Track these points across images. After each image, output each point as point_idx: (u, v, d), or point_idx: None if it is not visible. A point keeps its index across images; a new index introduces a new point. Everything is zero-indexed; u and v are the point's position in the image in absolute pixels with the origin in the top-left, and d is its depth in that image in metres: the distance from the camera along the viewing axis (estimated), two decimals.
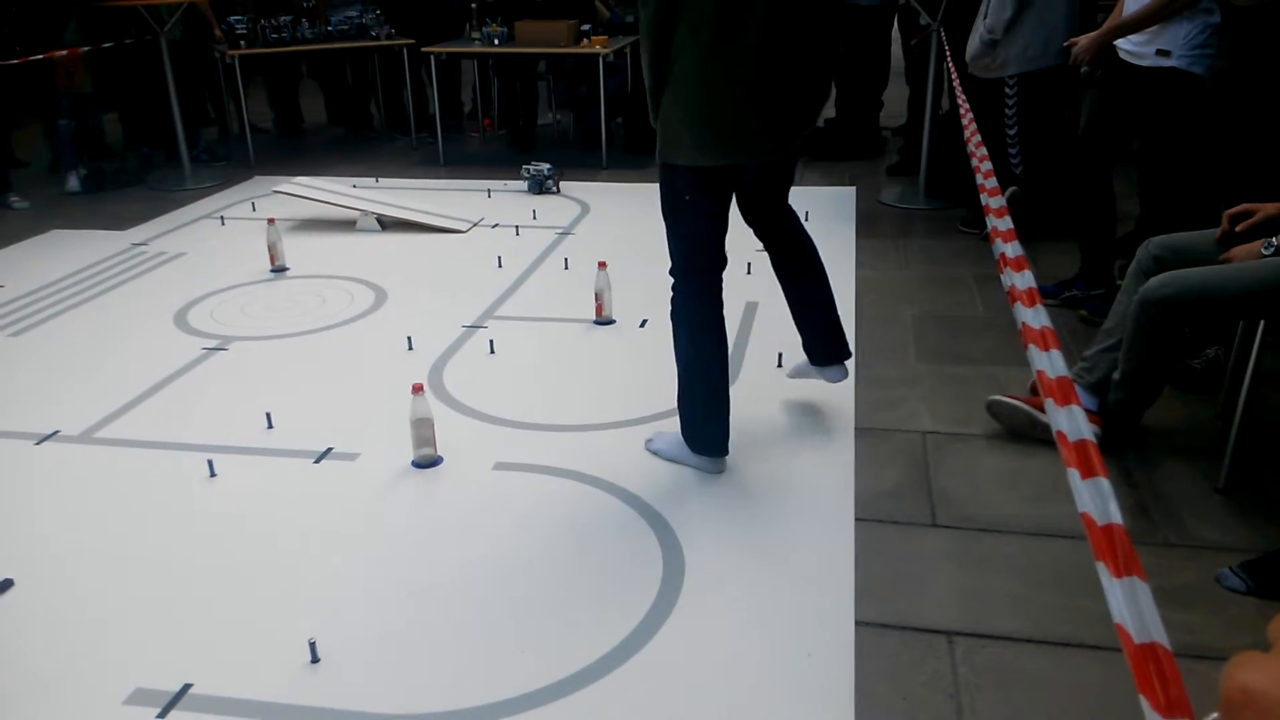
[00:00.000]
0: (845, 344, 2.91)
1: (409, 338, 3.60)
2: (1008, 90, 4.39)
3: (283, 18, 6.65)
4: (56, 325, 3.91)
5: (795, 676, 1.95)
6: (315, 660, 2.02)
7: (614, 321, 3.75)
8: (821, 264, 2.85)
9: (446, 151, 6.63)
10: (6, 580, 2.31)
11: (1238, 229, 2.56)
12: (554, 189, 5.68)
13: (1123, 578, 1.00)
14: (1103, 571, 1.03)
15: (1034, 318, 1.61)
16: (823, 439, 2.86)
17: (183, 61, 6.22)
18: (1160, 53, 3.28)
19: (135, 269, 4.56)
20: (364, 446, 2.87)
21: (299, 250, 4.64)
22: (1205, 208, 3.09)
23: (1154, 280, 2.52)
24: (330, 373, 3.39)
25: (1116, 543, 1.05)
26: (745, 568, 2.29)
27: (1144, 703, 0.88)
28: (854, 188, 5.60)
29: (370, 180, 6.07)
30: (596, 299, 3.74)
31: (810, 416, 3.00)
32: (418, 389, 2.73)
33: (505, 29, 6.32)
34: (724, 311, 2.62)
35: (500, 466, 2.75)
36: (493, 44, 6.31)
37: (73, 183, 5.99)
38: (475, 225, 5.07)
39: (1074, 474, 1.18)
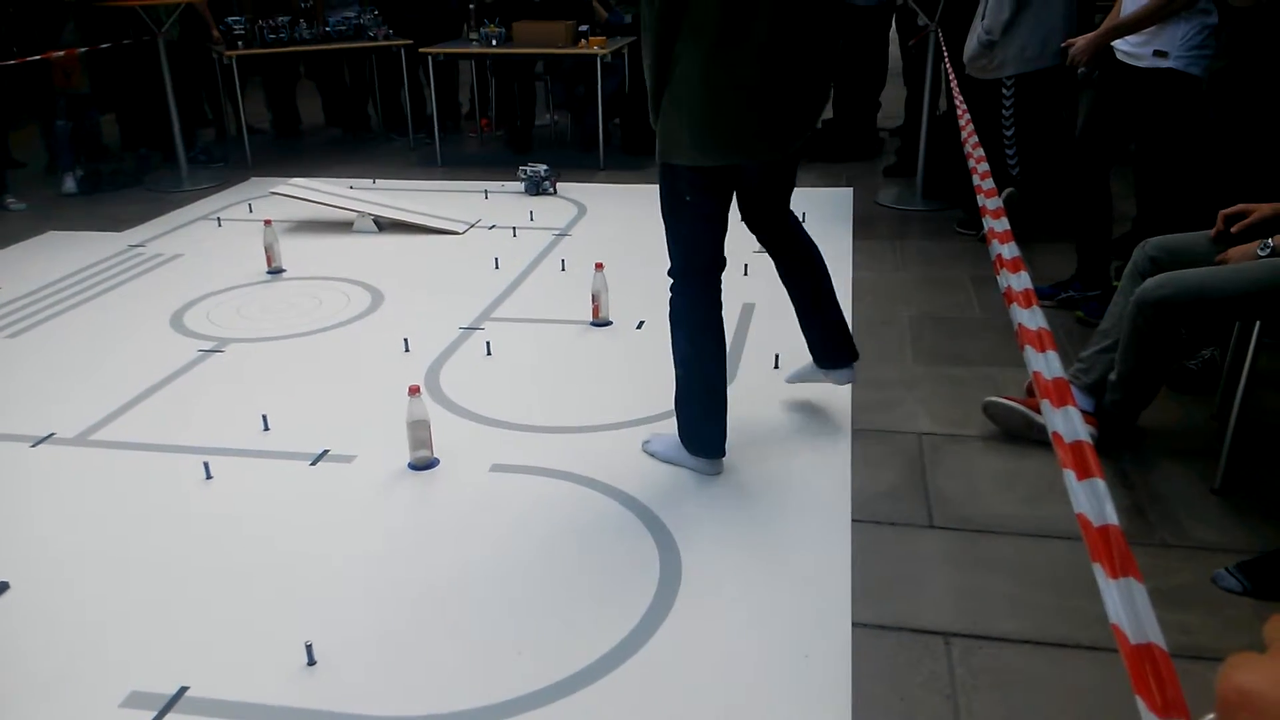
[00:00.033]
0: (852, 346, 2.92)
1: (406, 339, 3.60)
2: (1005, 91, 4.40)
3: (280, 18, 6.65)
4: (53, 327, 3.90)
5: (792, 677, 1.95)
6: (312, 663, 2.02)
7: (611, 323, 3.75)
8: (825, 267, 2.85)
9: (444, 152, 6.63)
10: (3, 583, 2.30)
11: (1233, 230, 2.56)
12: (551, 190, 5.68)
13: (1119, 578, 1.00)
14: (1099, 572, 1.03)
15: (1030, 319, 1.61)
16: (819, 441, 2.86)
17: (180, 62, 6.22)
18: (1158, 53, 3.29)
19: (132, 270, 4.55)
20: (360, 448, 2.87)
21: (296, 252, 4.64)
22: (1202, 209, 3.09)
23: (1150, 281, 2.53)
24: (327, 375, 3.39)
25: (1113, 543, 1.05)
26: (742, 569, 2.29)
27: (1140, 703, 0.88)
28: (851, 189, 5.60)
29: (367, 181, 6.07)
30: (593, 300, 3.74)
31: (807, 418, 3.00)
32: (414, 391, 2.73)
33: (503, 30, 6.33)
34: (723, 313, 2.62)
35: (497, 468, 2.75)
36: (490, 45, 6.31)
37: (69, 184, 5.98)
38: (472, 226, 5.07)
39: (1070, 475, 1.19)
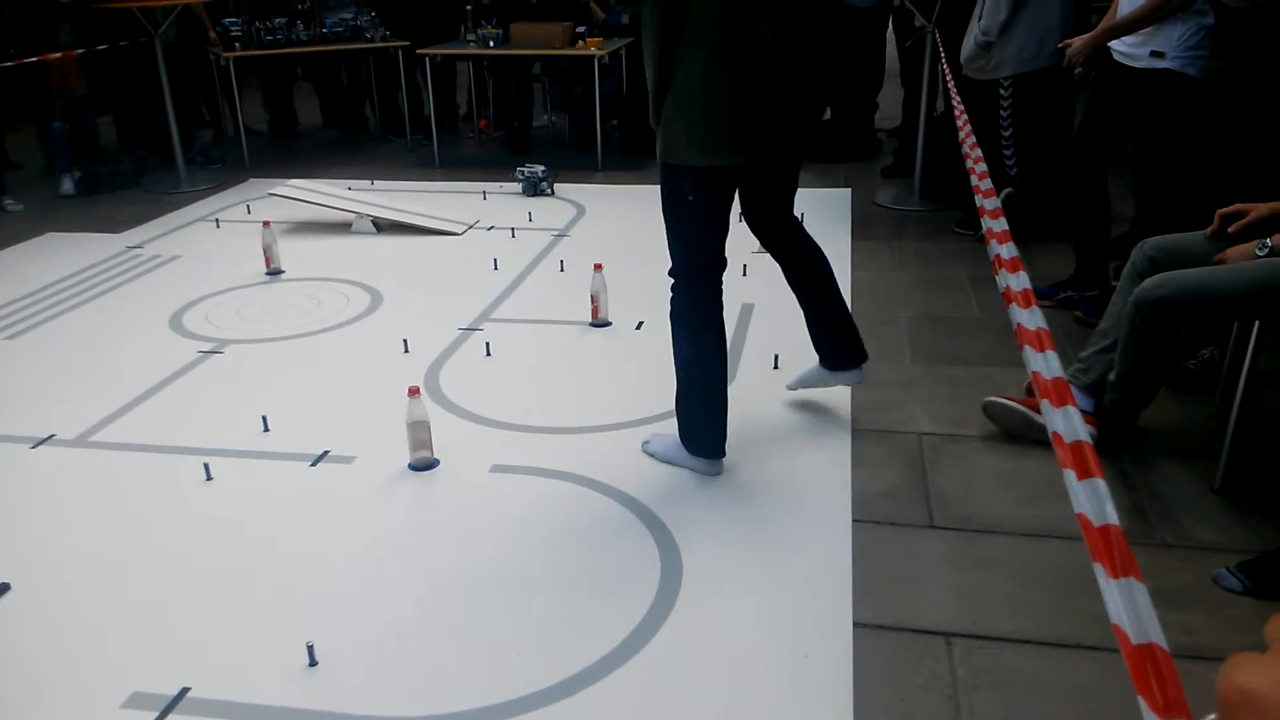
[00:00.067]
0: (861, 347, 2.92)
1: (405, 340, 3.60)
2: (1002, 92, 4.40)
3: (277, 20, 6.64)
4: (51, 329, 3.90)
5: (793, 678, 1.96)
6: (313, 663, 2.02)
7: (610, 324, 3.75)
8: (830, 270, 2.85)
9: (441, 154, 6.63)
10: (4, 584, 2.30)
11: (1230, 230, 2.57)
12: (548, 191, 5.68)
13: (1120, 578, 1.00)
14: (1100, 572, 1.03)
15: (1029, 319, 1.61)
16: (819, 441, 2.87)
17: (177, 64, 6.21)
18: (1154, 54, 3.29)
19: (130, 272, 4.55)
20: (360, 449, 2.87)
21: (294, 253, 4.64)
22: (1200, 209, 3.10)
23: (1149, 281, 2.53)
24: (326, 375, 3.39)
25: (1113, 543, 1.05)
26: (743, 569, 2.29)
27: (1142, 703, 0.88)
28: (849, 189, 5.60)
29: (365, 182, 6.06)
30: (592, 301, 3.74)
31: (807, 418, 3.01)
32: (414, 392, 2.73)
33: (500, 31, 6.33)
34: (723, 313, 2.63)
35: (497, 469, 2.75)
36: (488, 46, 6.31)
37: (67, 185, 5.98)
38: (471, 227, 5.07)
39: (1070, 475, 1.19)
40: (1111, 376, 2.67)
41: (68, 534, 2.51)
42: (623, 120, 6.75)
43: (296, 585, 2.28)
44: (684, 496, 2.59)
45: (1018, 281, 1.76)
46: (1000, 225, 2.05)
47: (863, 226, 4.91)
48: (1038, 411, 2.68)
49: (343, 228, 5.06)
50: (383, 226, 5.04)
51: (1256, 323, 2.50)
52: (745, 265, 3.90)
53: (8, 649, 2.11)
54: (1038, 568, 2.29)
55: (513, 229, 5.02)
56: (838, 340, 2.89)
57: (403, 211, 5.12)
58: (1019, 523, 2.46)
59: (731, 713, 1.88)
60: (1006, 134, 4.48)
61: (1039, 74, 4.29)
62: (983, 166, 2.50)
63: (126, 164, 6.58)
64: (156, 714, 1.90)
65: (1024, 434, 2.81)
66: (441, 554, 2.39)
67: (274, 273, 4.43)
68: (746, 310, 3.78)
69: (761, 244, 2.84)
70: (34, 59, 5.61)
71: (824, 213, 5.00)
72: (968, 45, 4.41)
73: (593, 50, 6.00)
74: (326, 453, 2.86)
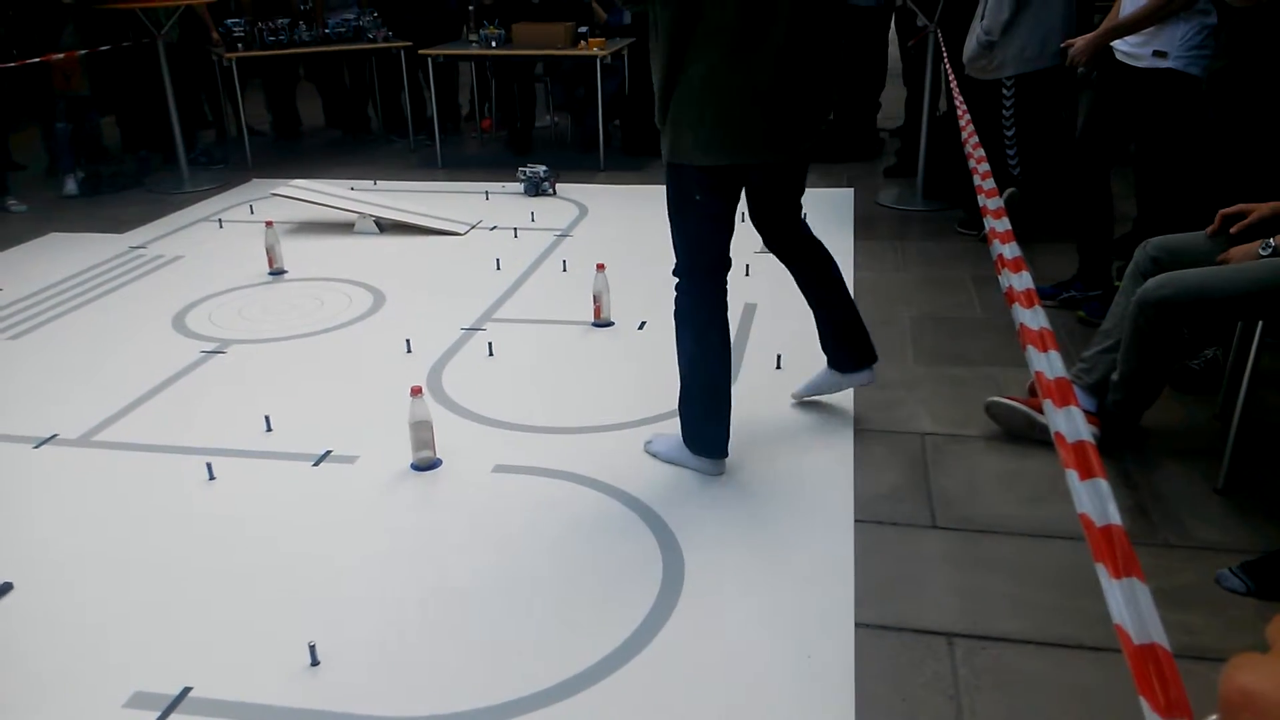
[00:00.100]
0: (871, 348, 2.92)
1: (407, 340, 3.60)
2: (1005, 91, 4.40)
3: (280, 20, 6.65)
4: (55, 328, 3.90)
5: (795, 678, 1.96)
6: (315, 663, 2.02)
7: (612, 323, 3.75)
8: (839, 272, 2.85)
9: (444, 154, 6.63)
10: (6, 584, 2.30)
11: (1232, 230, 2.56)
12: (550, 191, 5.68)
13: (1122, 579, 1.00)
14: (1102, 573, 1.03)
15: (1032, 319, 1.61)
16: (822, 441, 2.87)
17: (180, 64, 6.22)
18: (1157, 54, 3.29)
19: (133, 272, 4.56)
20: (363, 449, 2.87)
21: (297, 253, 4.64)
22: (1202, 209, 3.09)
23: (1152, 281, 2.53)
24: (329, 375, 3.39)
25: (1116, 544, 1.05)
26: (745, 569, 2.29)
27: (1144, 704, 0.88)
28: (851, 189, 5.60)
29: (368, 183, 6.07)
30: (595, 301, 3.74)
31: (809, 418, 3.00)
32: (416, 391, 2.73)
33: (503, 31, 6.33)
34: (728, 313, 2.62)
35: (499, 469, 2.75)
36: (490, 46, 6.31)
37: (70, 186, 5.99)
38: (473, 227, 5.07)
39: (1073, 475, 1.19)
40: (1114, 376, 2.67)
41: (70, 534, 2.52)
42: (625, 120, 6.75)
43: (299, 585, 2.29)
44: (686, 496, 2.59)
45: (1020, 281, 1.76)
46: (1003, 225, 2.05)
47: (865, 226, 4.91)
48: (1040, 411, 2.68)
49: (345, 228, 5.06)
50: (385, 227, 5.04)
51: (1260, 323, 2.50)
52: (748, 265, 3.90)
53: (10, 649, 2.11)
54: (1040, 568, 2.29)
55: (515, 229, 5.02)
56: (848, 342, 2.89)
57: (405, 212, 5.13)
58: (1021, 523, 2.46)
59: (733, 713, 1.88)
60: (1009, 134, 4.48)
61: (1041, 74, 4.29)
62: (985, 166, 2.50)
63: (129, 164, 6.58)
64: (158, 714, 1.91)
65: (1026, 434, 2.81)
66: (444, 554, 2.39)
67: (277, 273, 4.44)
68: (749, 310, 3.78)
69: (769, 247, 2.84)
70: (37, 60, 5.62)
71: (827, 212, 4.99)
72: (970, 45, 4.41)
73: (595, 50, 6.00)
74: (329, 453, 2.86)
